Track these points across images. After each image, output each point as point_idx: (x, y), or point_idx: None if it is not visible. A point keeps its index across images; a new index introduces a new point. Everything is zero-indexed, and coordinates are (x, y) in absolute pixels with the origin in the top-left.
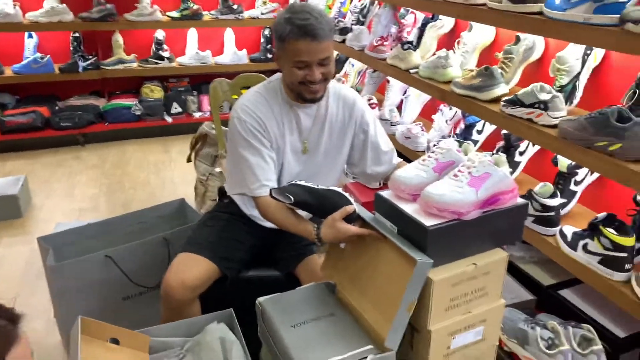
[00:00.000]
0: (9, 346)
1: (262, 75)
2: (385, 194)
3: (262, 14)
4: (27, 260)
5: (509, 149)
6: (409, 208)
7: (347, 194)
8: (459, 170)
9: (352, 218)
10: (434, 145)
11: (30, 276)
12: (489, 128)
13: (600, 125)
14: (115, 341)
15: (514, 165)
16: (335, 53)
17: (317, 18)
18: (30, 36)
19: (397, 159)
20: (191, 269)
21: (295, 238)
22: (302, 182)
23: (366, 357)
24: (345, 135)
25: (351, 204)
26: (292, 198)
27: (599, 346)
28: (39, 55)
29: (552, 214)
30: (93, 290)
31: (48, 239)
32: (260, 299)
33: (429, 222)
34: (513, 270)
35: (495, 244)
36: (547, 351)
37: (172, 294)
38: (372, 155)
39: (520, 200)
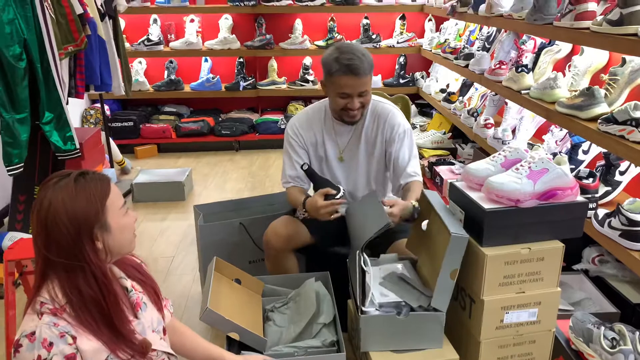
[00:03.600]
0: (107, 191)
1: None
2: (458, 183)
3: (398, 42)
4: (185, 231)
5: (609, 168)
6: (475, 195)
7: (341, 187)
8: (521, 165)
9: (330, 198)
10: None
11: (185, 243)
12: (595, 149)
13: None
14: (238, 281)
15: (614, 184)
16: (461, 78)
17: (360, 58)
18: (206, 60)
19: (412, 178)
20: (285, 226)
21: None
22: (327, 176)
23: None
24: (375, 146)
25: (338, 191)
26: (307, 166)
27: None
28: (211, 75)
29: (639, 229)
30: (228, 250)
31: (201, 207)
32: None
33: (488, 206)
34: (604, 286)
35: (553, 236)
36: (609, 349)
37: (268, 241)
38: (393, 168)
39: (579, 198)
